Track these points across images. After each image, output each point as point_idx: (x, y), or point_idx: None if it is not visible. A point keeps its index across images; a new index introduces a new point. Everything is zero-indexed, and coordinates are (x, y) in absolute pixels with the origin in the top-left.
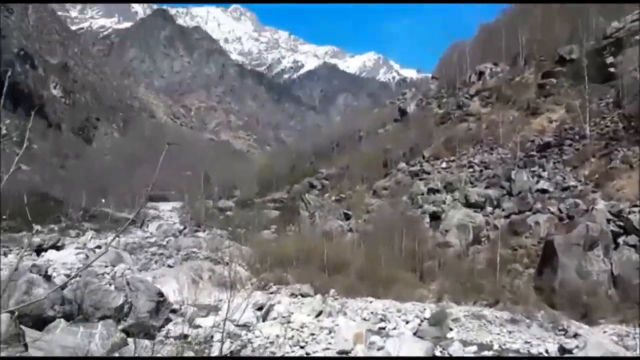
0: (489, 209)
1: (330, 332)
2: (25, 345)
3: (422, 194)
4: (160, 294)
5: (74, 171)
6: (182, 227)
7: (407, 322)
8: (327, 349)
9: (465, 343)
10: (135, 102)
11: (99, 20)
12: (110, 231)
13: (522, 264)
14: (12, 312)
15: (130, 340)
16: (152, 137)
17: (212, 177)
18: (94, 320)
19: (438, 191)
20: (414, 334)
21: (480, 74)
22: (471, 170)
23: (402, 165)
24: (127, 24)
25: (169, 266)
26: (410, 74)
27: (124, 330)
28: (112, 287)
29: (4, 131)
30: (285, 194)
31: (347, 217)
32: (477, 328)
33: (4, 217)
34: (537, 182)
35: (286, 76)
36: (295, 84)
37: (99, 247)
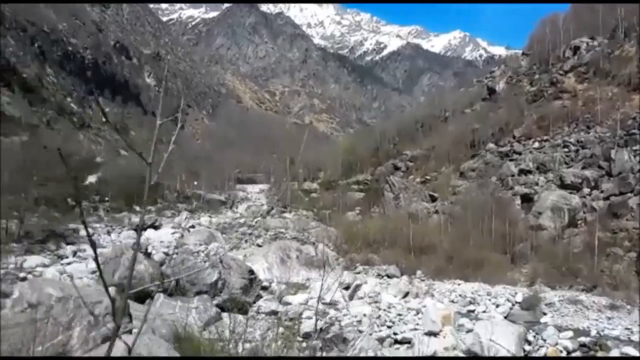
0: (585, 190)
1: (417, 313)
2: (130, 317)
3: (513, 175)
4: (252, 272)
5: (169, 155)
6: (269, 208)
7: (498, 306)
8: (415, 329)
9: (560, 328)
10: (223, 89)
11: (187, 11)
12: (202, 212)
13: (623, 247)
14: (117, 286)
15: (224, 315)
16: (239, 121)
17: (296, 160)
18: (190, 295)
19: (530, 172)
20: (505, 317)
21: (576, 49)
22: (566, 150)
23: (491, 145)
24: (214, 14)
25: (258, 245)
26: (499, 51)
27: (218, 305)
28: (207, 265)
29: (104, 119)
30: (368, 176)
31: (433, 199)
32: (573, 313)
33: (107, 199)
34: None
35: (369, 58)
36: (378, 65)
37: (192, 226)
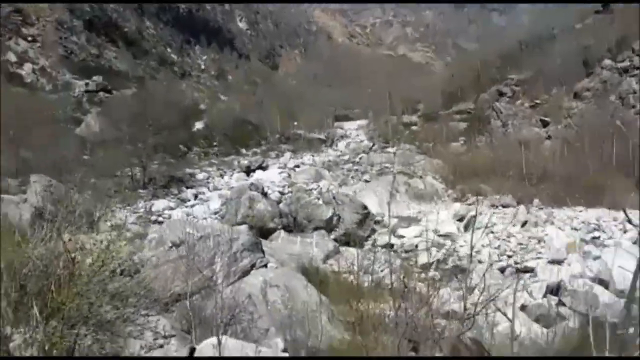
0: None
1: (539, 241)
2: (263, 252)
3: (635, 92)
4: (365, 207)
5: (265, 97)
6: (371, 144)
7: (626, 231)
8: (538, 258)
9: None
10: (313, 26)
11: None
12: (305, 151)
13: None
14: (242, 224)
15: (342, 248)
16: (331, 58)
17: (394, 93)
18: (308, 230)
19: None
20: (634, 243)
21: None
22: None
23: (607, 62)
24: None
25: (366, 181)
26: None
27: (335, 240)
28: (321, 202)
29: (202, 66)
30: (471, 105)
31: (545, 124)
32: None
33: (215, 143)
34: None
35: None
36: None
37: (297, 166)
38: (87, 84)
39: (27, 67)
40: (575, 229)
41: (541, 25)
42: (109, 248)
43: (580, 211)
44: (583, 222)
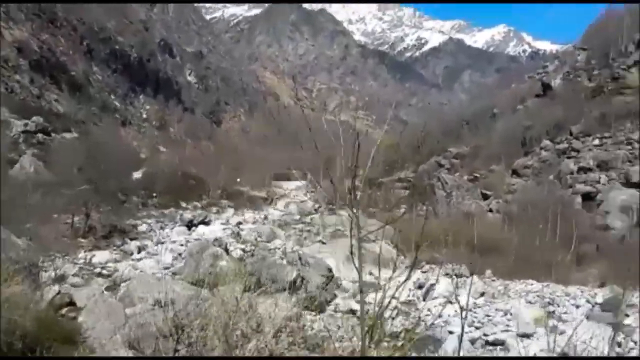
0: None
1: (505, 314)
2: None
3: (572, 173)
4: (330, 269)
5: (205, 151)
6: (317, 206)
7: (578, 307)
8: (506, 330)
9: None
10: (262, 86)
11: (230, 9)
12: (246, 208)
13: None
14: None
15: (304, 312)
16: (276, 119)
17: (335, 158)
18: (270, 291)
19: (590, 170)
20: (587, 318)
21: (639, 43)
22: (629, 147)
23: (547, 143)
24: (257, 11)
25: (322, 242)
26: (544, 46)
27: (297, 303)
28: (284, 262)
29: (144, 116)
30: (411, 174)
31: (485, 197)
32: None
33: (154, 194)
34: None
35: (409, 54)
36: (419, 61)
37: (240, 223)
38: (26, 124)
39: None
40: (531, 303)
41: (480, 104)
42: None
43: (532, 284)
44: (538, 296)
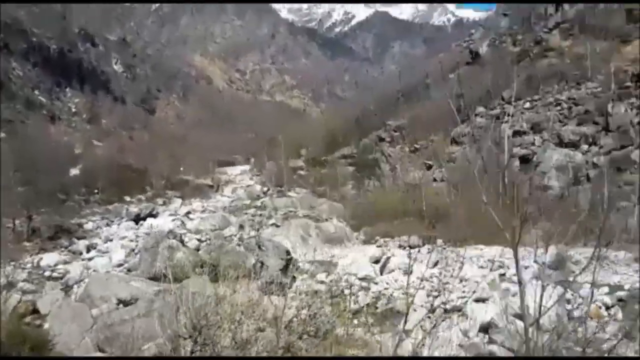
0: (584, 147)
1: (461, 281)
2: None
3: (508, 137)
4: (288, 252)
5: (142, 142)
6: (265, 189)
7: (527, 267)
8: (462, 297)
9: (593, 285)
10: (192, 70)
11: None
12: (193, 197)
13: (631, 201)
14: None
15: (265, 297)
16: (211, 103)
17: (276, 138)
18: (231, 279)
19: (525, 133)
20: (537, 278)
21: (558, 5)
22: (559, 108)
23: (481, 109)
24: None
25: (276, 225)
26: (467, 13)
27: (259, 288)
28: (242, 248)
29: (73, 110)
30: (354, 149)
31: (429, 167)
32: (601, 269)
33: (96, 190)
34: (638, 114)
35: (337, 29)
36: (348, 36)
37: (189, 212)
38: None
39: None
40: (482, 267)
41: (413, 75)
42: None
43: (481, 249)
44: (489, 260)
